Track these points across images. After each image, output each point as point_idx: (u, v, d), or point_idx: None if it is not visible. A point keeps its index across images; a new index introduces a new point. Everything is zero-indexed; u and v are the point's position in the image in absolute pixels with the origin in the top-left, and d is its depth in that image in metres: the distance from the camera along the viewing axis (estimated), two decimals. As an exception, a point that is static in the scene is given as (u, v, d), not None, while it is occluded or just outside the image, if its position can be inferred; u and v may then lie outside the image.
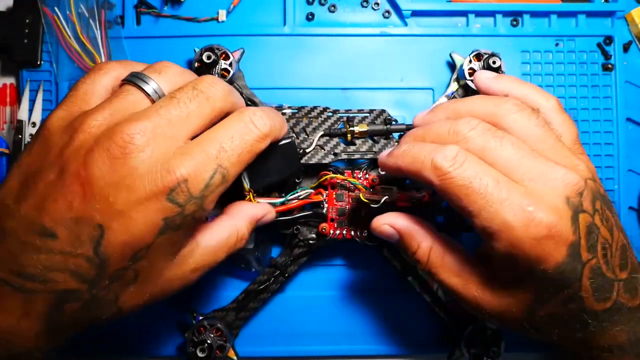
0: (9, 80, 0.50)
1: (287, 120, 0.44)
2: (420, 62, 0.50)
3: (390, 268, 0.47)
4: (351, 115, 0.45)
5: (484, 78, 0.42)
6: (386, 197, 0.41)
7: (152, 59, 0.47)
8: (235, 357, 0.46)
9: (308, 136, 0.44)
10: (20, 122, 0.48)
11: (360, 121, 0.45)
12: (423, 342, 0.49)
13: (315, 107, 0.45)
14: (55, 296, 0.30)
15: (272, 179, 0.40)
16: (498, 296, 0.35)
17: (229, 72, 0.44)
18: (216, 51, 0.44)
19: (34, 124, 0.49)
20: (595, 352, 0.36)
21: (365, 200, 0.41)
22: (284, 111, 0.45)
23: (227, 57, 0.44)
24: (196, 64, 0.44)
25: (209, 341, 0.44)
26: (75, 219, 0.29)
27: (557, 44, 0.50)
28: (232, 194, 0.38)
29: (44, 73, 0.49)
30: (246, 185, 0.40)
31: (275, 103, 0.46)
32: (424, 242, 0.37)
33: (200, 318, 0.45)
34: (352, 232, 0.45)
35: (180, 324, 0.48)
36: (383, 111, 0.46)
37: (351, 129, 0.44)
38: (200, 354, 0.44)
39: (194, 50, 0.45)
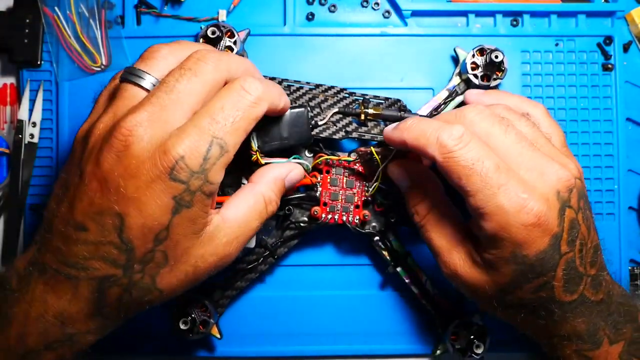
0: (9, 80, 0.50)
1: (304, 95, 0.46)
2: (420, 62, 0.50)
3: (378, 262, 0.48)
4: (367, 98, 0.46)
5: (473, 94, 0.45)
6: (396, 150, 0.42)
7: None
8: (218, 335, 0.46)
9: (322, 111, 0.45)
10: (21, 122, 0.48)
11: (375, 105, 0.46)
12: (408, 338, 0.49)
13: (332, 87, 0.46)
14: (97, 282, 0.33)
15: (281, 143, 0.41)
16: (476, 271, 0.37)
17: (232, 50, 0.45)
18: (222, 28, 0.45)
19: (34, 124, 0.49)
20: (555, 339, 0.38)
21: (376, 154, 0.42)
22: (301, 85, 0.46)
23: (232, 35, 0.45)
24: (201, 40, 0.44)
25: (192, 315, 0.44)
26: (99, 212, 0.32)
27: (557, 44, 0.50)
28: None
29: (44, 73, 0.49)
30: (254, 145, 0.41)
31: (292, 79, 0.46)
32: (428, 199, 0.39)
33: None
34: (344, 218, 0.45)
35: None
36: (398, 100, 0.47)
37: (366, 110, 0.45)
38: (182, 327, 0.44)
39: (200, 27, 0.45)
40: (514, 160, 0.35)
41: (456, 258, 0.38)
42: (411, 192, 0.40)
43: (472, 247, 0.38)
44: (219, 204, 0.40)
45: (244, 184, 0.44)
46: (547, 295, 0.36)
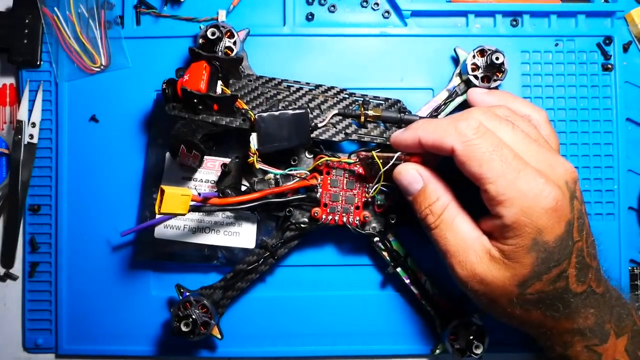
0: (9, 81, 0.50)
1: (304, 95, 0.46)
2: (420, 62, 0.50)
3: (378, 262, 0.48)
4: (367, 99, 0.46)
5: (477, 93, 0.45)
6: (398, 153, 0.41)
7: (152, 59, 0.49)
8: (219, 336, 0.46)
9: (322, 113, 0.45)
10: (20, 122, 0.48)
11: (375, 107, 0.45)
12: (407, 338, 0.49)
13: (332, 87, 0.46)
14: None
15: (281, 145, 0.42)
16: (495, 267, 0.37)
17: (232, 50, 0.45)
18: (221, 28, 0.44)
19: (33, 124, 0.48)
20: (568, 336, 0.39)
21: (377, 159, 0.41)
22: (301, 86, 0.46)
23: (232, 36, 0.45)
24: (200, 41, 0.44)
25: (193, 316, 0.44)
26: None
27: (556, 44, 0.50)
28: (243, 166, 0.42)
29: (43, 73, 0.49)
30: (253, 146, 0.41)
31: (292, 79, 0.46)
32: (443, 197, 0.39)
33: (187, 294, 0.45)
34: (345, 219, 0.45)
35: (170, 302, 0.49)
36: (398, 101, 0.47)
37: (365, 112, 0.45)
38: (184, 328, 0.43)
39: (200, 27, 0.45)
40: (523, 154, 0.36)
41: (473, 256, 0.37)
42: (424, 192, 0.40)
43: (487, 245, 0.37)
44: (220, 206, 0.40)
45: (245, 185, 0.45)
46: (562, 286, 0.37)
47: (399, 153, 0.41)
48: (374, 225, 0.46)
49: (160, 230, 0.47)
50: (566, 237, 0.35)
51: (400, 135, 0.41)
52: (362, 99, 0.46)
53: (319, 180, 0.45)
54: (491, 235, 0.38)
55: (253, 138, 0.42)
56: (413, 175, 0.40)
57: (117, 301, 0.48)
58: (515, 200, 0.35)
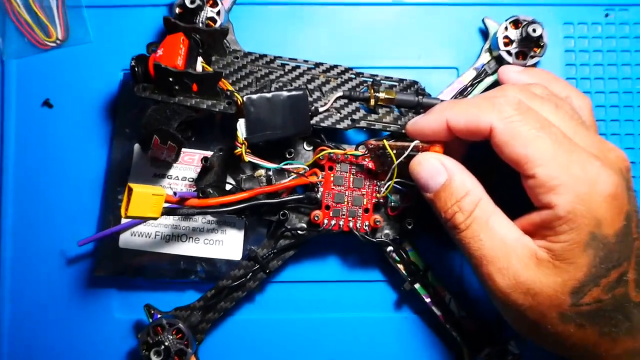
0: (-53, 59, 0.47)
1: (301, 75, 0.43)
2: (442, 36, 0.47)
3: (392, 278, 0.45)
4: (378, 80, 0.44)
5: (510, 71, 0.42)
6: (416, 142, 0.38)
7: (119, 33, 0.47)
8: None
9: (324, 95, 0.43)
10: (-41, 107, 0.46)
11: (388, 88, 0.43)
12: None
13: (336, 66, 0.44)
14: None
15: (274, 133, 0.39)
16: (545, 273, 0.33)
17: (215, 21, 0.43)
18: None
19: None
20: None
21: (389, 149, 0.39)
22: (298, 64, 0.43)
23: (215, 4, 0.43)
24: (177, 10, 0.42)
25: (166, 343, 0.41)
26: None
27: (607, 15, 0.47)
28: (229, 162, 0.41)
29: (-13, 49, 0.46)
30: (240, 135, 0.39)
31: (287, 56, 0.44)
32: (475, 190, 0.36)
33: (159, 316, 0.43)
34: (351, 224, 0.43)
35: (137, 327, 0.46)
36: (415, 82, 0.44)
37: (376, 94, 0.42)
38: (155, 358, 0.40)
39: None
40: (571, 135, 0.34)
41: (516, 262, 0.33)
42: (449, 186, 0.36)
43: (532, 246, 0.34)
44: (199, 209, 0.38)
45: (230, 184, 0.43)
46: (621, 293, 0.34)
47: (416, 141, 0.38)
48: (386, 231, 0.43)
49: (126, 239, 0.44)
50: (626, 232, 0.33)
51: (420, 120, 0.38)
52: (371, 79, 0.44)
53: (320, 178, 0.43)
54: (534, 235, 0.35)
55: (240, 125, 0.39)
56: (435, 166, 0.36)
57: (73, 325, 0.46)
58: (570, 186, 0.32)
